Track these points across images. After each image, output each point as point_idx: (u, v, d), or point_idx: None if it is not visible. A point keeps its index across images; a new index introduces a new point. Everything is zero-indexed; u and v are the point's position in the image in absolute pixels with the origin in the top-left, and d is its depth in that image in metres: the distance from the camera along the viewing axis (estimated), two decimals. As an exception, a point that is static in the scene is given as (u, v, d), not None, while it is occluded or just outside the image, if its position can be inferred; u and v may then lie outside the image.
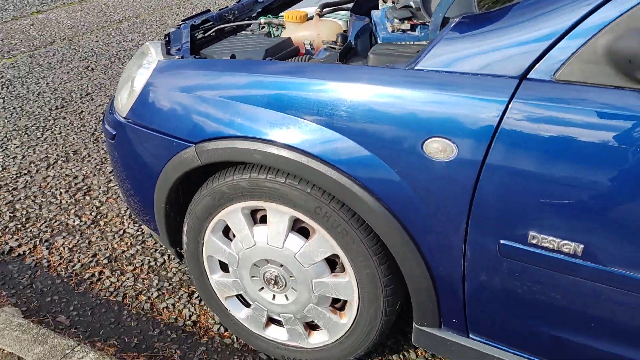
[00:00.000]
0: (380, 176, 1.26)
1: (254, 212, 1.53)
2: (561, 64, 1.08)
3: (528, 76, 1.11)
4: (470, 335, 1.44)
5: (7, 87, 3.41)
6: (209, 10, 1.99)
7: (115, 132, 1.66)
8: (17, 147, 2.77)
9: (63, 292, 1.93)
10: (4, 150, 2.74)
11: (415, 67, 1.22)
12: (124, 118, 1.60)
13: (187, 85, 1.47)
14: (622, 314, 1.18)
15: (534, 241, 1.17)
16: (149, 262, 2.08)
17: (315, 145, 1.30)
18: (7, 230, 2.22)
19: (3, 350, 1.56)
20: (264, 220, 1.53)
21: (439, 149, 1.18)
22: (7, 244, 2.14)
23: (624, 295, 1.15)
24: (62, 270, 2.03)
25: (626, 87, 1.04)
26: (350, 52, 1.47)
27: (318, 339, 1.63)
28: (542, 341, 1.34)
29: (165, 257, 2.10)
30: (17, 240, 2.16)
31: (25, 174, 2.56)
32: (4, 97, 3.29)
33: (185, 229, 1.64)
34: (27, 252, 2.11)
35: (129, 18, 4.84)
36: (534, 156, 1.10)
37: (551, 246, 1.16)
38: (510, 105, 1.11)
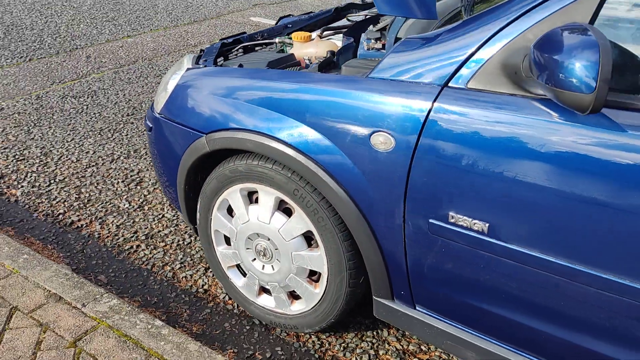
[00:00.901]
0: (340, 163, 1.56)
1: (250, 194, 1.86)
2: (472, 75, 1.35)
3: (449, 84, 1.39)
4: (417, 307, 1.69)
5: (92, 97, 3.98)
6: (244, 33, 2.38)
7: (152, 125, 2.06)
8: (91, 144, 3.28)
9: (106, 258, 2.34)
10: (80, 146, 3.25)
11: (368, 76, 1.53)
12: (159, 114, 2.00)
13: (203, 87, 1.84)
14: (524, 287, 1.40)
15: (452, 220, 1.42)
16: (178, 241, 2.45)
17: (293, 136, 1.62)
18: (71, 207, 2.67)
19: (50, 291, 1.97)
20: (258, 201, 1.86)
21: (381, 141, 1.47)
22: (70, 218, 2.59)
23: (524, 271, 1.37)
24: (108, 242, 2.44)
25: (517, 94, 1.30)
26: (331, 65, 1.80)
27: (298, 307, 1.92)
28: (473, 314, 1.56)
29: (192, 238, 2.47)
30: (77, 216, 2.61)
31: (93, 166, 3.04)
32: (88, 104, 3.85)
33: (198, 207, 2.00)
34: (84, 225, 2.55)
35: (203, 43, 5.41)
36: (449, 148, 1.37)
37: (465, 224, 1.41)
38: (433, 107, 1.38)
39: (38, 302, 1.91)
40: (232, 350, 1.90)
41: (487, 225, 1.38)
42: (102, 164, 3.07)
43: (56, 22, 5.88)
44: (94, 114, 3.70)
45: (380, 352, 1.93)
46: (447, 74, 1.39)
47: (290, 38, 2.10)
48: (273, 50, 2.13)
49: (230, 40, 2.24)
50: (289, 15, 2.59)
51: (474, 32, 1.37)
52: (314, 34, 2.07)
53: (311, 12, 2.58)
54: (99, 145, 3.27)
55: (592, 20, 1.22)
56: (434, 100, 1.39)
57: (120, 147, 3.25)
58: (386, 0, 1.52)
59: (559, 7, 1.25)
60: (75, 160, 3.08)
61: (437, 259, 1.52)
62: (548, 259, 1.31)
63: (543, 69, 1.14)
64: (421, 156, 1.41)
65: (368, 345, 1.95)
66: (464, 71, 1.37)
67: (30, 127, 3.45)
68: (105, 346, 1.74)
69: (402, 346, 1.96)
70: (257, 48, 2.19)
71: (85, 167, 3.02)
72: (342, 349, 1.94)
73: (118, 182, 2.89)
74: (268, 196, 1.79)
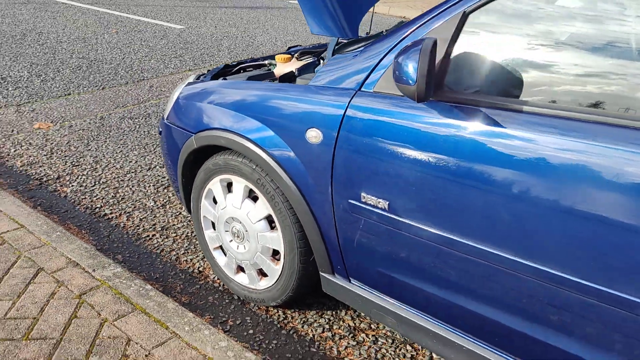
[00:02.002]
0: (287, 156, 1.92)
1: (229, 184, 2.25)
2: (376, 81, 1.69)
3: (361, 89, 1.73)
4: (352, 281, 1.99)
5: (145, 118, 4.57)
6: (252, 58, 2.81)
7: (161, 130, 2.50)
8: (135, 155, 3.81)
9: (125, 243, 2.78)
10: (125, 156, 3.78)
11: (309, 84, 1.89)
12: (166, 120, 2.44)
13: (194, 97, 2.27)
14: (426, 259, 1.68)
15: (364, 200, 1.74)
16: (187, 233, 2.87)
17: (253, 134, 2.00)
18: (107, 203, 3.16)
19: (70, 259, 2.42)
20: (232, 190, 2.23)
21: (313, 135, 1.82)
22: (104, 211, 3.08)
23: (422, 244, 1.65)
24: (130, 231, 2.89)
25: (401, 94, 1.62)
26: (291, 79, 2.17)
27: (264, 283, 2.26)
28: (392, 284, 1.84)
29: (199, 231, 2.87)
30: (110, 209, 3.09)
31: (132, 172, 3.55)
32: (141, 124, 4.42)
33: (192, 197, 2.41)
34: (114, 217, 3.02)
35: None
36: (359, 139, 1.70)
37: (372, 203, 1.72)
38: (348, 106, 1.73)
39: (59, 266, 2.36)
40: (209, 317, 2.26)
41: (387, 203, 1.68)
42: (140, 171, 3.57)
43: (131, 58, 6.66)
44: (144, 132, 4.26)
45: (334, 327, 2.23)
46: (360, 81, 1.73)
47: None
48: (262, 70, 2.54)
49: (234, 63, 2.68)
50: (297, 45, 3.01)
51: (378, 49, 1.72)
52: (294, 57, 2.47)
53: (320, 43, 3.00)
54: (141, 156, 3.79)
55: (455, 36, 1.53)
56: (349, 101, 1.73)
57: (159, 159, 3.75)
58: (317, 23, 1.90)
59: (431, 28, 1.58)
60: (119, 168, 3.61)
61: (359, 235, 1.83)
62: (437, 233, 1.59)
63: (395, 70, 1.47)
64: (340, 147, 1.75)
65: (325, 321, 2.25)
66: (372, 78, 1.71)
67: (89, 141, 4.04)
68: (102, 300, 2.16)
69: (355, 324, 2.25)
70: (249, 69, 2.61)
71: (125, 173, 3.54)
72: (301, 322, 2.25)
73: (150, 185, 3.37)
74: (239, 185, 2.16)
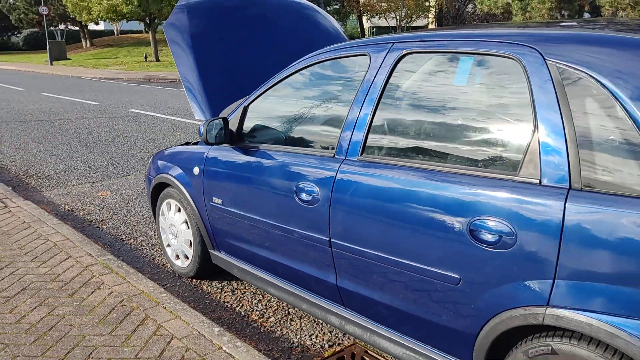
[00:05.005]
0: (187, 182, 3.61)
1: (169, 204, 3.95)
2: (217, 139, 3.39)
3: (213, 145, 3.43)
4: (221, 252, 3.57)
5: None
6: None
7: (145, 180, 4.31)
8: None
9: (144, 261, 4.52)
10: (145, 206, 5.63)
11: (197, 144, 3.63)
12: (146, 175, 4.25)
13: (156, 157, 4.06)
14: (252, 235, 3.27)
15: (215, 201, 3.38)
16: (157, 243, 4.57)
17: (175, 173, 3.73)
18: (122, 230, 4.96)
19: (87, 251, 4.17)
20: (171, 208, 3.93)
21: (196, 171, 3.52)
22: (144, 242, 4.87)
23: (242, 223, 3.24)
24: (140, 245, 4.64)
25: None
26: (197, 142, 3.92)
27: (186, 263, 3.88)
28: (242, 252, 3.40)
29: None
30: (123, 233, 4.88)
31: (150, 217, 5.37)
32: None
33: (155, 212, 4.13)
34: (125, 239, 4.79)
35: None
36: (209, 169, 3.37)
37: (218, 202, 3.35)
38: (207, 153, 3.43)
39: (81, 255, 4.12)
40: (157, 282, 3.89)
41: (221, 200, 3.32)
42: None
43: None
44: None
45: (225, 288, 3.78)
46: (212, 139, 3.43)
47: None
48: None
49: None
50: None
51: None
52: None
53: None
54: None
55: (242, 119, 3.22)
56: (208, 151, 3.43)
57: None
58: (195, 111, 3.65)
59: (231, 116, 3.28)
60: (146, 215, 5.44)
61: (215, 221, 3.45)
62: (246, 214, 3.18)
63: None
64: (205, 173, 3.43)
65: (217, 283, 3.81)
66: (217, 139, 3.41)
67: (129, 202, 5.94)
68: (97, 269, 3.86)
69: (237, 285, 3.79)
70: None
71: (147, 217, 5.36)
72: (206, 284, 3.82)
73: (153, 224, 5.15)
74: (174, 205, 3.87)
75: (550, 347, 1.87)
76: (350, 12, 37.87)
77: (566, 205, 1.80)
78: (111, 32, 51.92)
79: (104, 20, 34.97)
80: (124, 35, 49.54)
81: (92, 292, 3.47)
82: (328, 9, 37.78)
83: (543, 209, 1.84)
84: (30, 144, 9.13)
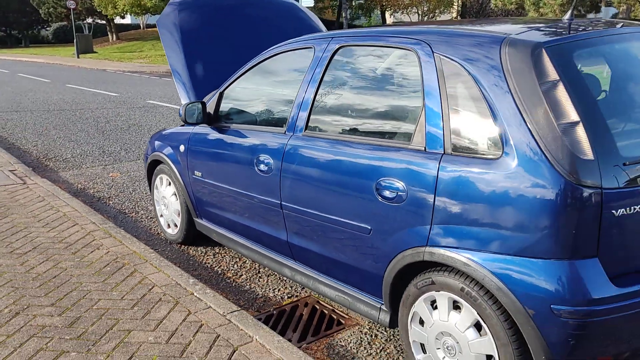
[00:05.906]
0: (176, 159, 4.16)
1: (162, 178, 4.50)
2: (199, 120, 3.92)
3: (196, 124, 3.96)
4: (202, 219, 4.11)
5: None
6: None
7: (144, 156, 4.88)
8: (158, 189, 6.23)
9: (141, 230, 5.09)
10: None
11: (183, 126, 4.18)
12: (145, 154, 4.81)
13: (152, 137, 4.61)
14: (227, 203, 3.80)
15: (196, 174, 3.92)
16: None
17: (166, 151, 4.28)
18: (124, 204, 5.54)
19: (95, 223, 4.75)
20: (162, 181, 4.48)
21: (182, 148, 4.06)
22: (144, 216, 5.44)
23: (218, 192, 3.77)
24: (140, 217, 5.21)
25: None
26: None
27: (175, 230, 4.43)
28: (217, 218, 3.93)
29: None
30: (124, 205, 5.45)
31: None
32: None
33: (151, 185, 4.69)
34: (128, 212, 5.37)
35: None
36: (192, 147, 3.91)
37: (199, 174, 3.89)
38: (192, 132, 3.97)
39: (86, 223, 4.69)
40: (151, 247, 4.45)
41: (201, 173, 3.85)
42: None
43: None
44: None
45: (208, 251, 4.32)
46: (194, 121, 3.96)
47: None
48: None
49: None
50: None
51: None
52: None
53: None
54: (161, 189, 6.22)
55: (219, 102, 3.75)
56: (192, 130, 3.97)
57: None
58: (182, 97, 4.19)
59: (210, 100, 3.81)
60: (147, 193, 6.03)
61: (198, 192, 3.99)
62: (222, 186, 3.71)
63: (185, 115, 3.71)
64: (189, 150, 3.97)
65: (202, 248, 4.36)
66: (199, 119, 3.94)
67: (136, 182, 6.52)
68: (98, 234, 4.43)
69: (219, 249, 4.33)
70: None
71: (148, 194, 5.94)
72: (192, 248, 4.37)
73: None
74: (165, 179, 4.42)
75: (431, 279, 2.36)
76: (374, 7, 38.13)
77: (439, 165, 2.28)
78: (137, 26, 52.98)
79: (129, 14, 35.94)
80: (150, 29, 50.56)
81: (92, 252, 4.04)
82: (353, 3, 38.09)
83: (425, 170, 2.33)
84: (52, 131, 9.82)
